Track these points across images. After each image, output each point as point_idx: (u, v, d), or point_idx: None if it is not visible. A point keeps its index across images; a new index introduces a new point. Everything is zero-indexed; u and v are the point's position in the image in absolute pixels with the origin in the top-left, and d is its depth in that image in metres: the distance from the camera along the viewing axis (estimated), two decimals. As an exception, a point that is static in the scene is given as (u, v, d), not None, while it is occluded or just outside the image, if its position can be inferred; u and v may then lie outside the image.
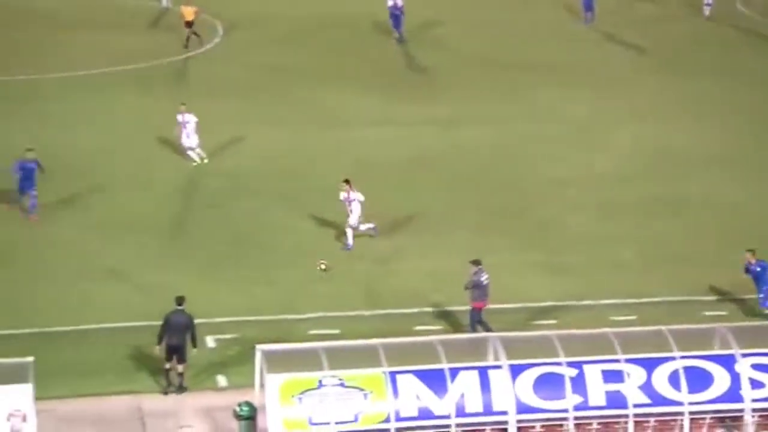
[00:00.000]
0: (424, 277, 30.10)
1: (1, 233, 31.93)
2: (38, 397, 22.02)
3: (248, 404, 23.07)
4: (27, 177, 30.93)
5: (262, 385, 22.98)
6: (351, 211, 31.53)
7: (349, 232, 31.66)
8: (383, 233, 32.75)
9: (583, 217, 34.38)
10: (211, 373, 25.84)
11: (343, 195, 31.63)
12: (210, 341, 27.00)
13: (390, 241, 32.49)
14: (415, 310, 28.81)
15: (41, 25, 51.54)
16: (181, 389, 25.02)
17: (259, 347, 23.25)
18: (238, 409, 23.07)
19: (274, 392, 22.63)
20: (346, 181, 31.71)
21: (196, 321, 25.85)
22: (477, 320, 27.03)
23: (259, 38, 51.25)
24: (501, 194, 35.90)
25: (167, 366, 24.89)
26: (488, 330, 26.52)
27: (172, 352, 24.80)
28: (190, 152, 36.60)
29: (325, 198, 34.53)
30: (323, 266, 30.31)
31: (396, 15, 50.76)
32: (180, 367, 24.93)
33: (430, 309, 28.72)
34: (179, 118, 36.49)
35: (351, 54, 49.35)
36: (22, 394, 21.62)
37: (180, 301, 25.06)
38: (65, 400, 24.37)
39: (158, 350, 24.96)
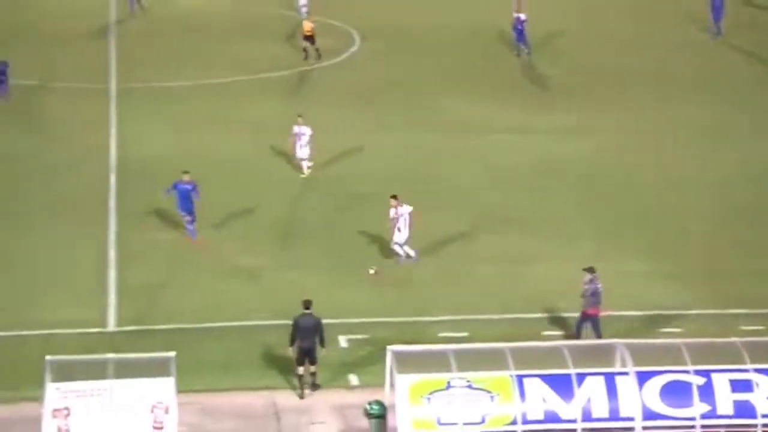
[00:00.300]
0: (552, 282, 29.81)
1: (148, 237, 32.45)
2: (180, 390, 22.33)
3: (379, 403, 23.12)
4: (183, 198, 31.05)
5: (392, 385, 23.00)
6: (398, 229, 30.55)
7: (398, 248, 30.73)
8: (513, 237, 32.63)
9: (706, 224, 33.71)
10: (343, 372, 25.95)
11: (392, 212, 30.61)
12: (342, 341, 27.12)
13: (519, 246, 32.28)
14: (543, 315, 28.56)
15: (193, 35, 52.59)
16: (314, 387, 25.19)
17: (390, 348, 23.29)
18: (368, 407, 23.13)
19: (404, 392, 22.64)
20: (394, 197, 30.80)
21: (330, 321, 26.04)
22: (591, 326, 26.68)
23: (393, 47, 51.50)
24: (623, 201, 35.50)
25: (300, 371, 25.01)
26: (599, 337, 26.18)
27: (304, 354, 24.92)
28: (304, 163, 36.70)
29: (455, 202, 34.67)
30: (372, 271, 30.10)
31: (519, 29, 50.43)
32: (312, 367, 25.07)
33: (556, 314, 28.41)
34: (295, 129, 36.64)
35: (479, 64, 49.23)
36: (164, 387, 21.96)
37: (307, 304, 25.17)
38: (205, 393, 24.70)
39: (291, 352, 25.13)
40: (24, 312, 27.96)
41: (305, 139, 36.46)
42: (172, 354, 22.39)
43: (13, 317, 27.67)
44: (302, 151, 36.55)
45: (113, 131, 40.41)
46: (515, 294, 29.54)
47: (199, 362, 25.54)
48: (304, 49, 48.67)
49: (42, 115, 41.87)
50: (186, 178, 31.03)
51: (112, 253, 31.29)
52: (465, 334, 27.15)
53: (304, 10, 55.77)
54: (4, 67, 42.39)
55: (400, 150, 39.35)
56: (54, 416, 21.41)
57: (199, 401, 24.28)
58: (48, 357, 22.01)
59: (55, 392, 21.57)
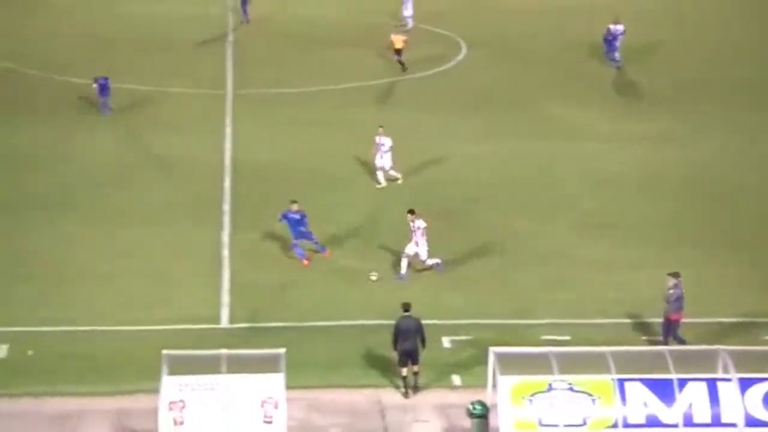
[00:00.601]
0: (652, 288, 29.27)
1: (260, 238, 32.76)
2: (289, 386, 22.49)
3: (481, 403, 23.04)
4: (292, 226, 30.99)
5: (494, 386, 22.90)
6: (417, 243, 30.07)
7: (404, 261, 30.09)
8: (614, 243, 32.29)
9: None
10: (446, 372, 25.90)
11: (411, 225, 30.14)
12: (446, 342, 27.08)
13: (619, 252, 31.93)
14: (643, 320, 28.18)
15: (305, 43, 53.06)
16: (415, 389, 25.14)
17: (493, 349, 23.19)
18: (471, 407, 23.06)
19: (506, 393, 22.53)
20: (411, 212, 30.30)
21: (433, 323, 26.03)
22: (672, 333, 26.23)
23: (499, 56, 51.38)
24: (721, 208, 34.98)
25: (404, 372, 25.02)
26: (682, 343, 25.76)
27: (406, 356, 24.91)
28: (379, 173, 36.50)
29: (557, 207, 34.39)
30: (374, 277, 29.84)
31: (609, 40, 49.81)
32: (415, 368, 25.04)
33: (656, 320, 27.97)
34: (377, 139, 36.53)
35: (581, 72, 48.90)
36: (274, 383, 22.14)
37: (407, 307, 25.14)
38: (312, 390, 24.88)
39: (394, 355, 25.14)
40: (143, 308, 28.44)
41: (385, 149, 36.32)
42: (282, 351, 22.56)
43: (133, 313, 28.18)
44: (382, 161, 36.37)
45: (228, 135, 40.97)
46: (616, 299, 29.19)
47: (308, 360, 25.70)
48: (399, 62, 48.44)
49: (161, 119, 42.59)
50: (294, 207, 30.72)
51: (225, 253, 31.67)
52: (567, 337, 26.93)
53: (410, 20, 55.93)
54: (106, 82, 42.35)
55: (504, 157, 39.17)
56: (170, 408, 21.72)
57: (307, 397, 24.46)
58: (165, 351, 22.34)
59: (171, 385, 21.88)
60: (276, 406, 22.00)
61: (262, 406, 22.01)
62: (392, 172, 36.51)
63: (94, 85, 42.47)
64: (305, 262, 30.59)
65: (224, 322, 28.17)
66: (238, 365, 22.30)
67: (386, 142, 36.31)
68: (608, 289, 29.86)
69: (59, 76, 46.47)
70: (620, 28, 49.88)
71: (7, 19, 55.66)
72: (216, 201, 35.11)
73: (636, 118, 43.15)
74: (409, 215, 30.26)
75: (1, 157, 38.20)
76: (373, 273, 30.02)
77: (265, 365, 22.28)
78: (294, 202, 30.85)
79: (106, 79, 42.43)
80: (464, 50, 52.52)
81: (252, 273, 30.49)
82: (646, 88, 46.91)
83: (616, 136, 41.18)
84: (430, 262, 30.26)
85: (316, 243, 31.01)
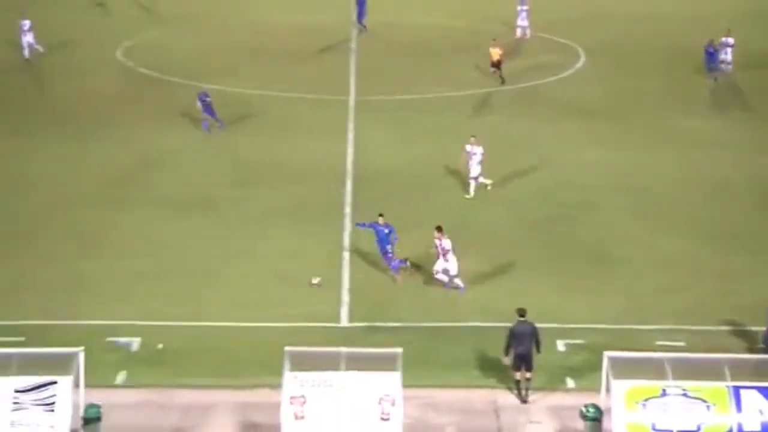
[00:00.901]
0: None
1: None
2: (405, 385, 22.54)
3: (594, 406, 22.79)
4: (380, 240, 30.63)
5: (608, 390, 22.64)
6: (447, 260, 29.42)
7: (441, 276, 29.59)
8: (731, 251, 31.65)
9: None
10: (559, 375, 25.68)
11: (437, 243, 29.52)
12: (560, 345, 26.85)
13: (735, 260, 31.31)
14: (760, 328, 27.53)
15: (423, 52, 53.21)
16: (527, 394, 24.93)
17: (607, 353, 22.92)
18: (584, 410, 22.83)
19: (620, 397, 22.25)
20: (438, 229, 29.59)
21: (547, 326, 25.82)
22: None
23: (617, 64, 50.84)
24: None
25: (517, 376, 24.87)
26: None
27: (520, 360, 24.75)
28: (471, 182, 36.13)
29: (675, 214, 33.89)
30: (315, 282, 29.49)
31: (711, 52, 48.78)
32: (528, 374, 24.87)
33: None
34: (468, 148, 36.20)
35: (698, 81, 48.10)
36: (391, 381, 22.21)
37: (522, 312, 24.95)
38: (428, 389, 24.87)
39: (506, 360, 24.96)
40: (266, 306, 28.80)
41: (476, 158, 35.95)
42: (399, 350, 22.63)
43: (257, 311, 28.54)
44: (472, 170, 36.05)
45: (350, 140, 41.30)
46: (732, 307, 28.59)
47: (423, 359, 25.73)
48: (496, 74, 47.87)
49: (285, 123, 43.12)
50: (381, 221, 30.41)
51: (346, 254, 31.92)
52: (681, 343, 26.48)
53: (527, 31, 55.64)
54: (205, 97, 41.21)
55: (619, 163, 38.74)
56: (291, 403, 21.97)
57: (422, 396, 24.45)
58: (287, 348, 22.60)
59: (292, 380, 22.13)
60: (393, 404, 22.06)
61: (379, 403, 22.09)
62: (482, 179, 36.19)
63: (199, 103, 41.32)
64: (398, 278, 30.15)
65: (344, 321, 28.37)
66: (357, 363, 22.43)
67: (477, 151, 35.98)
68: (724, 296, 29.28)
69: (197, 83, 47.42)
70: (731, 40, 48.92)
71: (152, 31, 57.06)
72: (338, 203, 35.40)
73: (748, 126, 42.27)
74: (436, 232, 29.54)
75: (139, 158, 39.05)
76: (315, 277, 29.76)
77: (383, 364, 22.36)
78: (381, 215, 30.38)
79: (207, 94, 41.44)
80: (583, 58, 52.05)
81: (372, 273, 30.66)
82: (759, 96, 45.85)
83: (730, 144, 40.42)
84: (457, 281, 29.53)
85: (391, 263, 30.30)
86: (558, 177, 37.53)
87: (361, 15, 56.64)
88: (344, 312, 28.72)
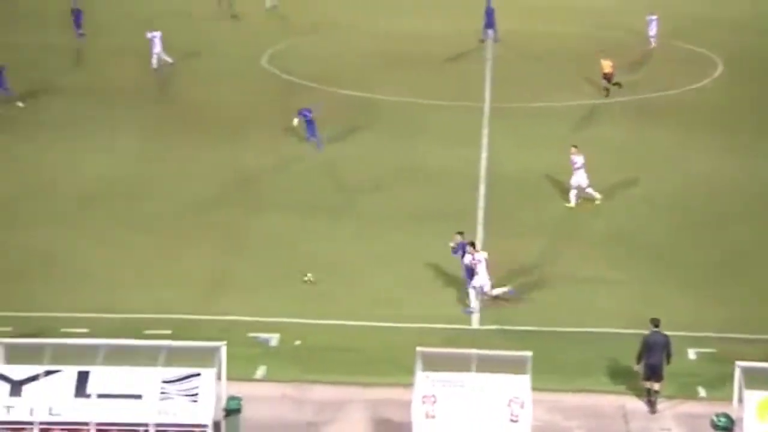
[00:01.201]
0: None
1: (511, 247, 32.90)
2: (534, 388, 22.44)
3: (726, 416, 22.31)
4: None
5: (740, 400, 22.16)
6: (477, 272, 28.54)
7: (472, 292, 28.64)
8: None
9: None
10: (690, 383, 25.23)
11: (468, 258, 28.59)
12: (691, 353, 26.38)
13: None
14: None
15: (555, 60, 52.89)
16: (655, 405, 24.56)
17: (739, 363, 22.43)
18: (716, 419, 22.37)
19: (752, 408, 21.73)
20: (472, 244, 28.79)
21: (679, 334, 25.39)
22: None
23: (751, 75, 49.72)
24: None
25: (647, 386, 24.54)
26: None
27: (650, 370, 24.38)
28: (572, 191, 35.54)
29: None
30: (308, 278, 29.10)
31: None
32: (656, 386, 24.47)
33: None
34: (572, 158, 35.69)
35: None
36: (521, 384, 22.10)
37: (656, 322, 24.54)
38: (557, 392, 24.74)
39: (637, 369, 24.64)
40: (398, 307, 28.97)
41: (577, 166, 35.42)
42: (528, 353, 22.54)
43: (390, 311, 28.74)
44: (575, 179, 35.49)
45: (484, 146, 41.28)
46: None
47: (552, 363, 25.56)
48: (606, 88, 46.92)
49: (420, 129, 43.30)
50: (458, 238, 29.63)
51: (480, 257, 31.84)
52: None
53: (654, 38, 54.83)
54: (308, 112, 39.86)
55: (750, 174, 37.85)
56: (423, 402, 22.07)
57: (551, 399, 24.32)
58: (419, 348, 22.70)
59: (424, 380, 22.22)
60: (522, 406, 21.97)
61: (508, 405, 22.01)
62: (589, 190, 35.61)
63: (296, 119, 40.05)
64: (486, 296, 29.37)
65: (474, 324, 28.40)
66: (487, 365, 22.38)
67: (578, 160, 35.50)
68: None
69: (328, 88, 48.04)
70: None
71: (293, 40, 58.05)
72: (470, 209, 35.42)
73: None
74: (469, 247, 28.87)
75: (276, 160, 39.62)
76: (309, 274, 29.76)
77: (512, 366, 22.28)
78: (460, 233, 29.75)
79: (309, 110, 39.96)
80: (720, 68, 51.02)
81: (502, 278, 30.60)
82: None
83: None
84: (495, 292, 28.87)
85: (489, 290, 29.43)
86: (692, 186, 36.85)
87: (489, 25, 56.56)
88: (475, 315, 28.73)
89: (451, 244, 29.27)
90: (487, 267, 28.58)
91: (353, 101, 44.78)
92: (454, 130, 42.95)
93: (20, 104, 45.20)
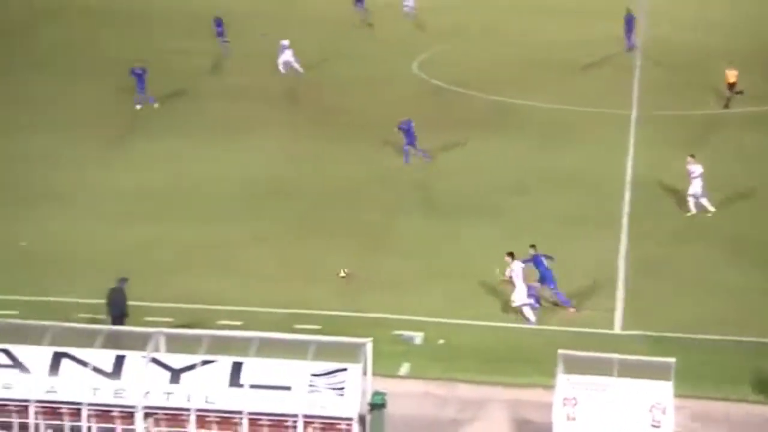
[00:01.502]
0: None
1: (655, 252, 32.39)
2: (677, 395, 22.13)
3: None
4: (542, 271, 29.45)
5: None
6: (515, 286, 27.87)
7: (527, 310, 28.04)
8: None
9: None
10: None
11: (507, 271, 28.00)
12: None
13: None
14: None
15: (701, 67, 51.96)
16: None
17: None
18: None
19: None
20: (510, 255, 28.07)
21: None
22: None
23: None
24: None
25: None
26: None
27: None
28: (690, 199, 34.75)
29: None
30: (343, 273, 28.48)
31: None
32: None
33: None
34: (688, 168, 34.96)
35: None
36: (663, 390, 21.84)
37: None
38: (700, 400, 24.36)
39: None
40: (542, 309, 28.83)
41: (694, 176, 34.71)
42: (672, 360, 22.26)
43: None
44: (692, 187, 34.75)
45: (631, 153, 40.81)
46: None
47: (694, 370, 25.13)
48: (728, 98, 45.58)
49: (569, 134, 42.97)
50: (532, 251, 29.17)
51: (621, 263, 31.64)
52: None
53: None
54: (409, 126, 38.95)
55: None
56: (564, 404, 22.02)
57: (691, 406, 23.94)
58: (561, 351, 22.62)
59: (566, 383, 22.17)
60: (664, 412, 21.71)
61: (650, 410, 21.78)
62: (704, 201, 34.87)
63: (401, 132, 39.04)
64: (571, 310, 29.08)
65: (617, 328, 28.18)
66: (629, 370, 22.20)
67: (695, 169, 34.87)
68: None
69: (473, 92, 48.12)
70: None
71: (441, 46, 58.35)
72: (616, 213, 35.09)
73: None
74: (507, 258, 28.39)
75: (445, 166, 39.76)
76: (344, 269, 29.86)
77: (655, 372, 22.02)
78: (533, 246, 29.26)
79: (409, 123, 39.00)
80: None
81: (646, 283, 30.28)
82: None
83: None
84: (517, 303, 28.32)
85: (557, 293, 29.18)
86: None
87: (629, 32, 55.84)
88: (618, 319, 28.50)
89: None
90: (524, 278, 28.29)
91: (501, 106, 44.83)
92: (601, 136, 42.56)
93: (156, 105, 46.58)
